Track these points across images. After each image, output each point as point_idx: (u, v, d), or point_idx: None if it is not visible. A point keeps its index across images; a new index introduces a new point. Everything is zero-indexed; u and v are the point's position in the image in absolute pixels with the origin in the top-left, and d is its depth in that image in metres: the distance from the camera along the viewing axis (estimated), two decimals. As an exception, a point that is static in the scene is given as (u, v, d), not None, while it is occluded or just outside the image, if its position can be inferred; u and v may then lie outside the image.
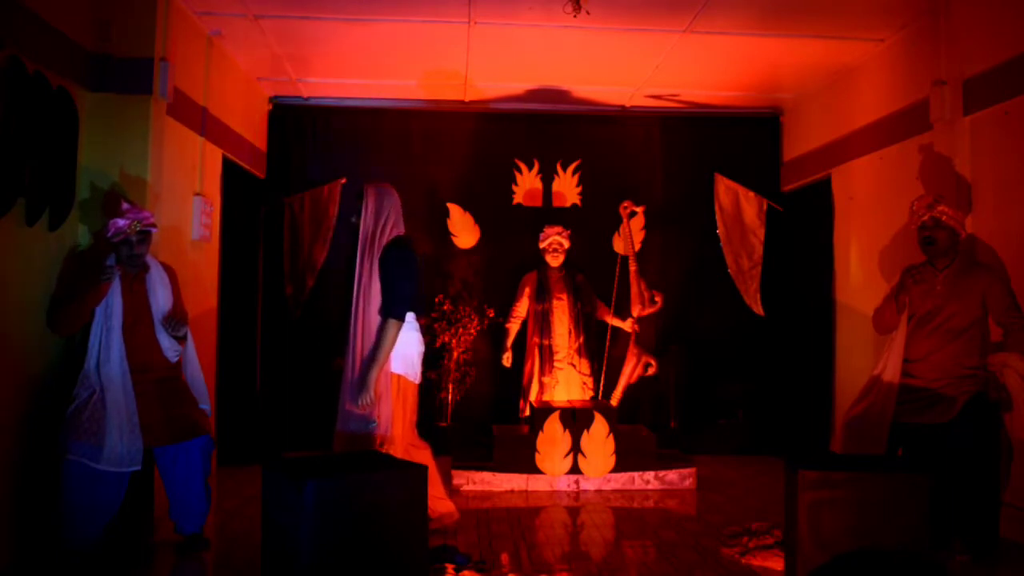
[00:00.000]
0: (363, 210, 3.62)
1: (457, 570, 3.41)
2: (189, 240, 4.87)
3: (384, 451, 3.53)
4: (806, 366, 6.29)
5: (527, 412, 5.66)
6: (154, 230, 3.77)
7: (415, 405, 3.83)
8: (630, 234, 5.77)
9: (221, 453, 5.39)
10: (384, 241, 3.60)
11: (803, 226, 6.48)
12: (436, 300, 6.39)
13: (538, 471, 5.20)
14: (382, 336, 3.50)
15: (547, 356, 5.67)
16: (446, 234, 6.58)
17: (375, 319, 3.54)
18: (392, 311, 3.52)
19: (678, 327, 6.59)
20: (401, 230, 3.69)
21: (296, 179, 6.50)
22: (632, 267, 5.65)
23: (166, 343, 3.80)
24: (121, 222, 3.64)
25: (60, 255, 3.84)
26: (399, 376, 3.65)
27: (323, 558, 2.73)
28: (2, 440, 3.46)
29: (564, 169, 6.70)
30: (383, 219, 3.62)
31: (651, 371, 5.61)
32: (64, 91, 3.81)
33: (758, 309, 6.60)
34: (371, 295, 3.55)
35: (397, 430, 3.64)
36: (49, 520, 3.58)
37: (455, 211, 6.60)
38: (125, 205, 3.69)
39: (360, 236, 3.61)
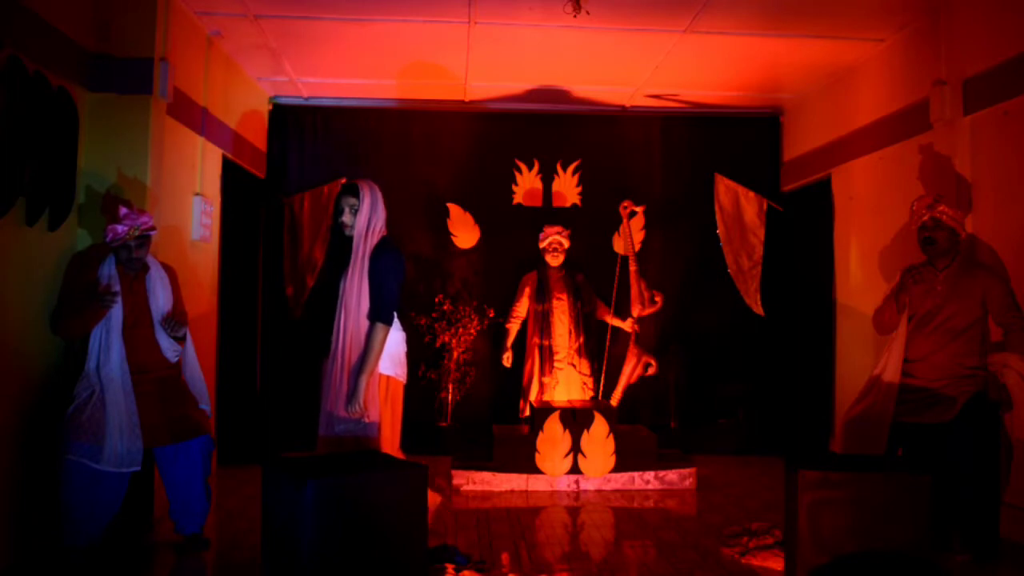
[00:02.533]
0: (360, 207, 3.53)
1: (457, 570, 3.41)
2: (189, 240, 4.87)
3: None
4: (806, 366, 6.29)
5: (527, 412, 5.65)
6: (153, 233, 3.76)
7: (402, 405, 3.74)
8: (630, 234, 5.77)
9: (221, 453, 5.39)
10: (374, 241, 3.53)
11: (803, 226, 6.48)
12: (436, 300, 6.39)
13: (538, 471, 5.20)
14: (372, 341, 3.44)
15: (547, 356, 5.67)
16: (446, 234, 6.59)
17: (364, 321, 3.48)
18: (381, 315, 3.47)
19: (678, 327, 6.59)
20: (385, 231, 3.62)
21: (296, 179, 6.50)
22: (632, 267, 5.65)
23: (165, 343, 3.80)
24: (120, 228, 3.62)
25: (60, 255, 3.83)
26: (388, 377, 3.58)
27: (323, 558, 2.73)
28: (2, 440, 3.46)
29: (564, 169, 6.70)
30: (376, 218, 3.56)
31: (651, 371, 5.60)
32: (64, 91, 3.81)
33: (758, 309, 6.60)
34: (361, 295, 3.49)
35: (387, 432, 3.57)
36: (49, 520, 3.58)
37: (455, 211, 6.60)
38: (123, 210, 3.66)
39: (356, 234, 3.53)
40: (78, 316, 3.59)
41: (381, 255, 3.51)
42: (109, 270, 3.68)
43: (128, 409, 3.58)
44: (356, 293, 3.49)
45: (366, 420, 3.47)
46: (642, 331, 5.82)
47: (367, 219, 3.52)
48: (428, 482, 3.06)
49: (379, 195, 3.59)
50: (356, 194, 3.54)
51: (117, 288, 3.64)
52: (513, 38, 5.26)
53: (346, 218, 3.55)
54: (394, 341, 3.58)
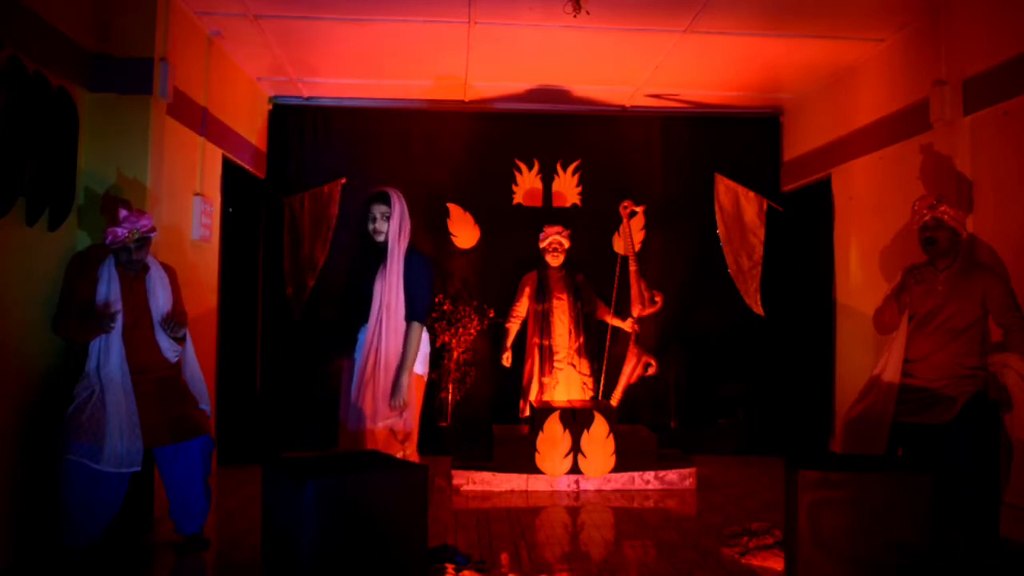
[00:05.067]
0: (392, 214, 3.69)
1: (457, 570, 3.41)
2: (189, 240, 4.87)
3: (406, 447, 3.67)
4: (806, 366, 6.29)
5: (527, 412, 5.65)
6: (153, 235, 3.75)
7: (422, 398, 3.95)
8: (630, 234, 5.77)
9: (221, 453, 5.39)
10: (403, 247, 3.70)
11: (803, 226, 6.48)
12: (436, 300, 6.39)
13: (538, 471, 5.20)
14: (412, 339, 3.67)
15: (547, 356, 5.67)
16: (446, 234, 6.58)
17: (403, 321, 3.67)
18: (419, 315, 3.70)
19: (678, 327, 6.59)
20: (408, 236, 3.79)
21: (296, 179, 6.49)
22: (632, 267, 5.65)
23: (165, 344, 3.80)
24: (120, 231, 3.62)
25: (60, 255, 3.83)
26: (418, 376, 3.76)
27: (323, 558, 2.73)
28: (2, 440, 3.46)
29: (564, 169, 6.70)
30: (405, 223, 3.73)
31: (651, 371, 5.61)
32: (64, 91, 3.81)
33: (758, 309, 6.60)
34: (400, 297, 3.66)
35: (416, 426, 3.76)
36: (49, 520, 3.58)
37: (455, 211, 6.60)
38: (123, 212, 3.65)
39: (390, 239, 3.69)
40: (79, 327, 3.61)
41: (415, 259, 3.73)
42: (109, 270, 3.68)
43: (128, 409, 3.58)
44: (395, 295, 3.66)
45: (407, 414, 3.67)
46: (642, 331, 5.82)
47: (399, 224, 3.71)
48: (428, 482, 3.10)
49: (404, 201, 3.77)
50: (387, 201, 3.71)
51: (118, 308, 3.64)
52: (513, 38, 5.26)
53: (379, 224, 3.71)
54: (424, 340, 3.80)
